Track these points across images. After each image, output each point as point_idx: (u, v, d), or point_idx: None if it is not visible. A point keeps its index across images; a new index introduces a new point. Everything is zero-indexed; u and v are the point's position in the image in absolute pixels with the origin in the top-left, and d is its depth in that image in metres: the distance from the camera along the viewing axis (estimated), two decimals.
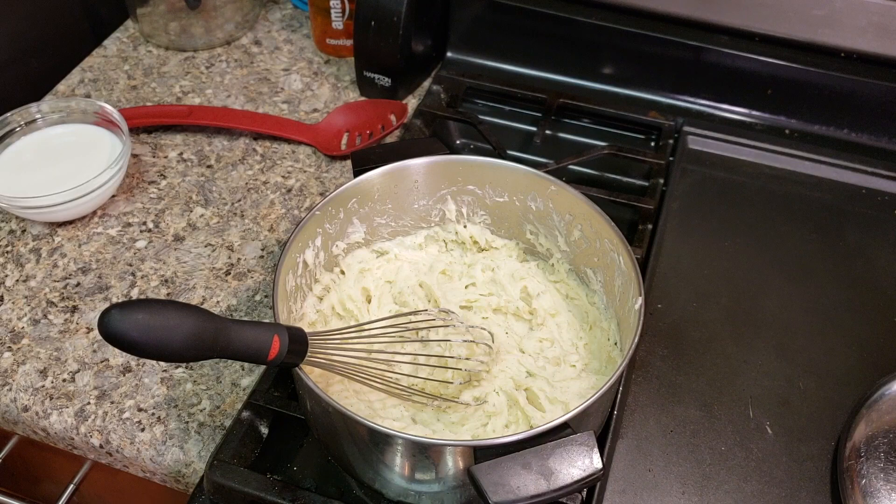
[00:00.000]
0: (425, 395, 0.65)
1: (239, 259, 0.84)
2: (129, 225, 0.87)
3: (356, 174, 0.73)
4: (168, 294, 0.81)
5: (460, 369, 0.66)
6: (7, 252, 0.84)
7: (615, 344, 0.70)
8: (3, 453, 0.79)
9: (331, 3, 1.01)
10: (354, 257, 0.76)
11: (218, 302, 0.80)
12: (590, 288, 0.74)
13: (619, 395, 0.70)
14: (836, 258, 0.85)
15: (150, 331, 0.50)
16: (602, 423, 0.67)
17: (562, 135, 1.00)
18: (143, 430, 0.70)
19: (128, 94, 1.02)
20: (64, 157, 0.88)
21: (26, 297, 0.80)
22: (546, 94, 0.99)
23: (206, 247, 0.85)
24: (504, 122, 1.01)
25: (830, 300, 0.81)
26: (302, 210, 0.89)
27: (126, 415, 0.71)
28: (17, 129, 0.88)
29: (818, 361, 0.75)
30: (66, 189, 0.81)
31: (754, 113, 1.00)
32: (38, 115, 0.89)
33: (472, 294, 0.75)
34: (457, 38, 1.05)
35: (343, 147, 0.95)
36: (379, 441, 0.57)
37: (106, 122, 0.89)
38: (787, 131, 0.99)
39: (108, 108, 0.88)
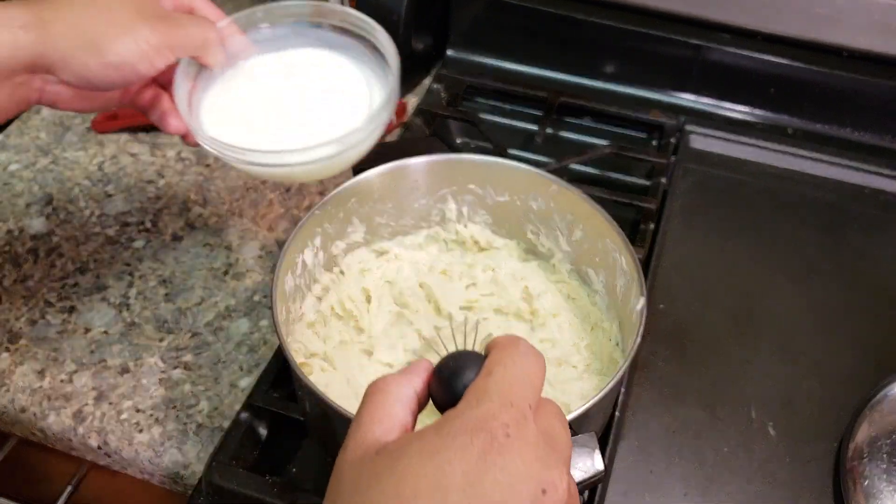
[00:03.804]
0: None
1: (237, 259, 0.84)
2: (127, 224, 0.87)
3: (356, 173, 0.73)
4: (166, 294, 0.80)
5: None
6: (4, 252, 0.84)
7: (617, 344, 0.70)
8: (1, 455, 0.78)
9: (330, 2, 1.00)
10: (354, 257, 0.76)
11: (216, 302, 0.79)
12: (591, 288, 0.74)
13: (620, 396, 0.69)
14: (839, 258, 0.84)
15: None
16: (604, 424, 0.67)
17: (563, 134, 0.99)
18: (141, 431, 0.70)
19: None
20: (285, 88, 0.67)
21: (24, 298, 0.79)
22: (547, 92, 0.98)
23: (204, 246, 0.85)
24: (505, 120, 1.01)
25: (833, 300, 0.80)
26: (301, 210, 0.89)
27: (124, 416, 0.71)
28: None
29: (821, 362, 0.75)
30: (327, 141, 0.60)
31: (757, 112, 0.99)
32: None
33: (472, 294, 0.74)
34: (457, 36, 1.05)
35: None
36: None
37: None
38: (789, 130, 0.98)
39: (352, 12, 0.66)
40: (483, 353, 0.59)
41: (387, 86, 0.64)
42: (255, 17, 0.66)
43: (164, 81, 0.63)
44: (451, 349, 0.59)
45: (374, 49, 0.66)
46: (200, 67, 0.63)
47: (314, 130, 0.63)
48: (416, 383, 0.43)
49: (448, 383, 0.43)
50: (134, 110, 0.98)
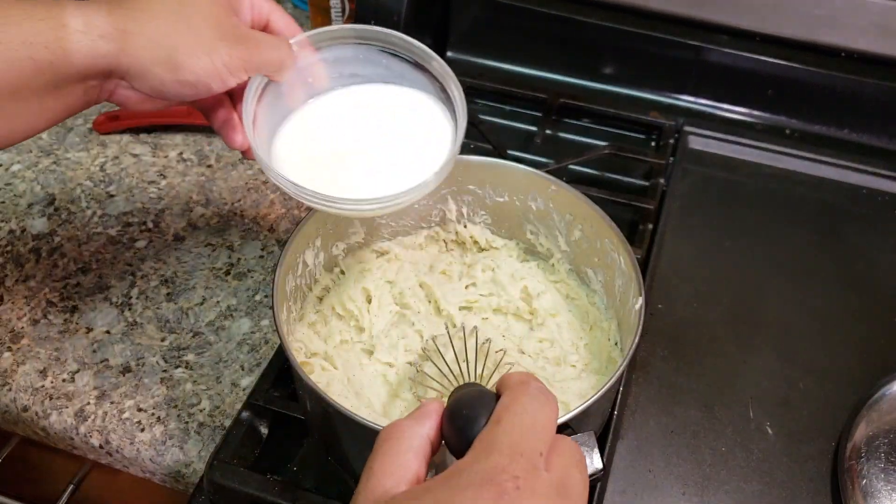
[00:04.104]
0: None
1: (239, 259, 0.84)
2: (129, 225, 0.87)
3: None
4: (168, 293, 0.80)
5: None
6: (7, 252, 0.84)
7: (615, 344, 0.70)
8: (3, 454, 0.79)
9: (331, 2, 1.01)
10: (354, 257, 0.76)
11: (218, 302, 0.80)
12: (590, 288, 0.74)
13: (619, 396, 0.69)
14: (836, 258, 0.85)
15: None
16: (602, 423, 0.67)
17: (562, 135, 1.00)
18: (142, 430, 0.70)
19: None
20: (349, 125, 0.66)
21: (26, 297, 0.80)
22: (546, 93, 0.99)
23: (206, 246, 0.85)
24: (504, 121, 1.01)
25: (831, 300, 0.81)
26: (302, 210, 0.89)
27: (126, 415, 0.71)
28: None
29: (819, 362, 0.75)
30: (401, 191, 0.60)
31: (755, 113, 1.00)
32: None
33: (472, 294, 0.74)
34: (457, 37, 1.05)
35: None
36: None
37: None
38: (787, 131, 0.99)
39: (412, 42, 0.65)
40: (484, 360, 0.59)
41: (455, 136, 0.64)
42: (328, 36, 0.65)
43: (231, 91, 0.62)
44: (449, 358, 0.59)
45: (441, 89, 0.66)
46: (268, 81, 0.63)
47: (379, 174, 0.63)
48: (428, 428, 0.43)
49: (460, 429, 0.42)
50: (136, 112, 0.98)
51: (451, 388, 0.52)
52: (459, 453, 0.41)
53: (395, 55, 0.66)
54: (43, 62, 0.50)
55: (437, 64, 0.65)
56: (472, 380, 0.55)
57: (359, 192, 0.61)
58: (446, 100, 0.66)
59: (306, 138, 0.65)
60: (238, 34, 0.57)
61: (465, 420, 0.42)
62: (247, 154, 0.63)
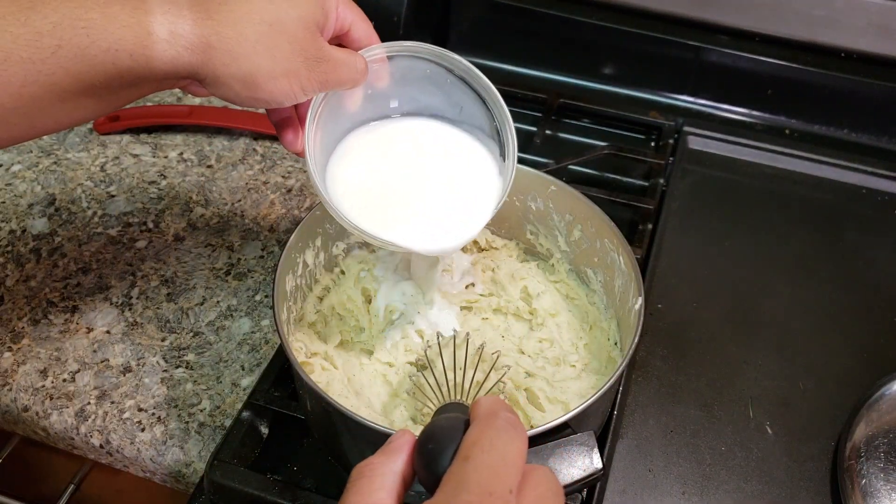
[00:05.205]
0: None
1: (239, 259, 0.84)
2: (130, 225, 0.87)
3: None
4: (168, 293, 0.81)
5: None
6: (7, 252, 0.84)
7: (615, 344, 0.70)
8: (3, 454, 0.79)
9: None
10: (354, 257, 0.76)
11: (218, 302, 0.80)
12: (590, 288, 0.74)
13: (619, 395, 0.70)
14: (836, 258, 0.85)
15: None
16: (602, 423, 0.67)
17: (562, 135, 1.00)
18: (143, 430, 0.70)
19: None
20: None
21: (26, 297, 0.80)
22: (546, 94, 0.99)
23: (206, 247, 0.85)
24: None
25: (830, 300, 0.81)
26: (302, 210, 0.89)
27: (126, 415, 0.71)
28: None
29: (818, 361, 0.75)
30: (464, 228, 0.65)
31: (754, 113, 1.00)
32: None
33: (472, 294, 0.74)
34: (457, 38, 1.06)
35: None
36: (379, 441, 0.57)
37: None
38: (787, 131, 0.99)
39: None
40: (476, 365, 0.59)
41: (503, 187, 0.66)
42: (404, 50, 0.65)
43: None
44: (438, 370, 0.59)
45: (496, 128, 0.69)
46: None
47: (425, 218, 0.65)
48: (400, 463, 0.42)
49: (427, 465, 0.42)
50: (136, 113, 0.98)
51: (443, 403, 0.51)
52: (430, 488, 0.41)
53: (461, 78, 0.67)
54: (124, 68, 0.50)
55: (498, 107, 0.67)
56: (463, 391, 0.55)
57: (402, 232, 0.63)
58: (498, 140, 0.68)
59: (360, 169, 0.66)
60: (319, 56, 0.57)
61: (430, 455, 0.42)
62: (300, 154, 0.64)
